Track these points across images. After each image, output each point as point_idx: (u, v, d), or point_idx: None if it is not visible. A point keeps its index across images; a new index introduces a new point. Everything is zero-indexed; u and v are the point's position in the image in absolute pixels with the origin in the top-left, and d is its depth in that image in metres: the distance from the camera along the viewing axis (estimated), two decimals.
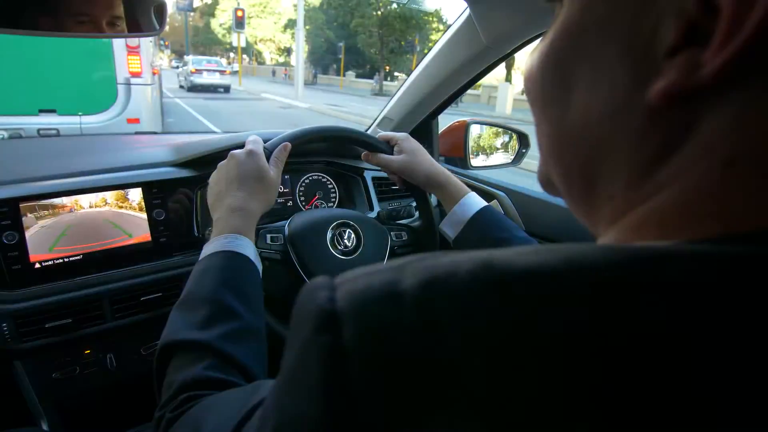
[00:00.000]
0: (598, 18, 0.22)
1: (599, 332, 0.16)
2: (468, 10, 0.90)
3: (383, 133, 0.86)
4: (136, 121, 3.71)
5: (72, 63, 3.48)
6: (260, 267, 0.59)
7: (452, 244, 0.78)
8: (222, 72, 16.64)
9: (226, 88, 17.03)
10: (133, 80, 3.67)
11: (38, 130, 3.37)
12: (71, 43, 3.37)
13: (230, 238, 0.57)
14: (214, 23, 44.88)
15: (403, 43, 25.30)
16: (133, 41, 3.56)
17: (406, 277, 0.19)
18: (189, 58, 19.05)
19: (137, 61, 3.64)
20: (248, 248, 0.58)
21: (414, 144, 0.83)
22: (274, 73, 38.63)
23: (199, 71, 16.08)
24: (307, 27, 35.03)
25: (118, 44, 3.53)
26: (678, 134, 0.20)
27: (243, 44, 20.96)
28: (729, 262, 0.17)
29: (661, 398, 0.15)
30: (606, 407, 0.15)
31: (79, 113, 3.53)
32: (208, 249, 0.57)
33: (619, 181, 0.23)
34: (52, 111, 3.47)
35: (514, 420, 0.16)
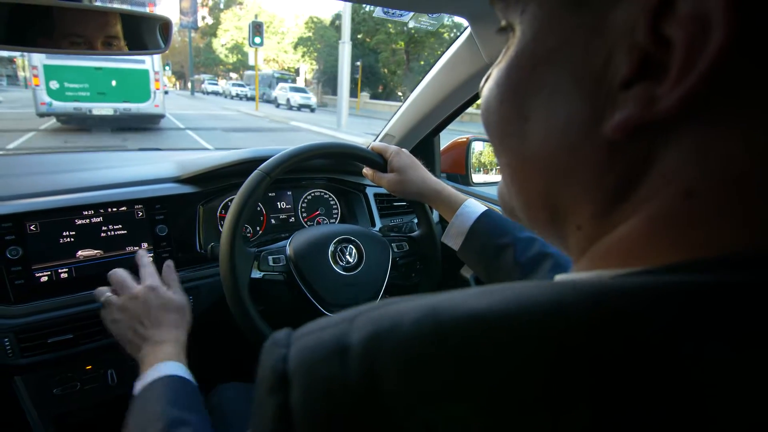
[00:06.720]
0: (549, 49, 0.21)
1: (536, 378, 0.16)
2: (469, 29, 0.91)
3: (375, 144, 0.86)
4: (157, 106, 9.48)
5: (133, 81, 9.09)
6: (194, 382, 0.62)
7: (457, 254, 0.77)
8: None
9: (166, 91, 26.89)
10: (157, 90, 9.41)
11: (113, 110, 8.97)
12: (135, 71, 9.10)
13: (159, 366, 0.61)
14: (216, 43, 45.10)
15: (422, 63, 23.68)
16: (154, 73, 9.29)
17: (355, 329, 0.19)
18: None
19: (157, 82, 9.38)
20: (179, 369, 0.61)
21: (404, 160, 0.81)
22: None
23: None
24: (318, 45, 35.33)
25: (151, 75, 9.22)
26: (638, 166, 0.20)
27: (252, 63, 20.99)
28: (665, 291, 0.17)
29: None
30: None
31: (134, 102, 9.20)
32: (139, 385, 0.59)
33: (584, 212, 0.23)
34: (126, 102, 9.10)
35: None
